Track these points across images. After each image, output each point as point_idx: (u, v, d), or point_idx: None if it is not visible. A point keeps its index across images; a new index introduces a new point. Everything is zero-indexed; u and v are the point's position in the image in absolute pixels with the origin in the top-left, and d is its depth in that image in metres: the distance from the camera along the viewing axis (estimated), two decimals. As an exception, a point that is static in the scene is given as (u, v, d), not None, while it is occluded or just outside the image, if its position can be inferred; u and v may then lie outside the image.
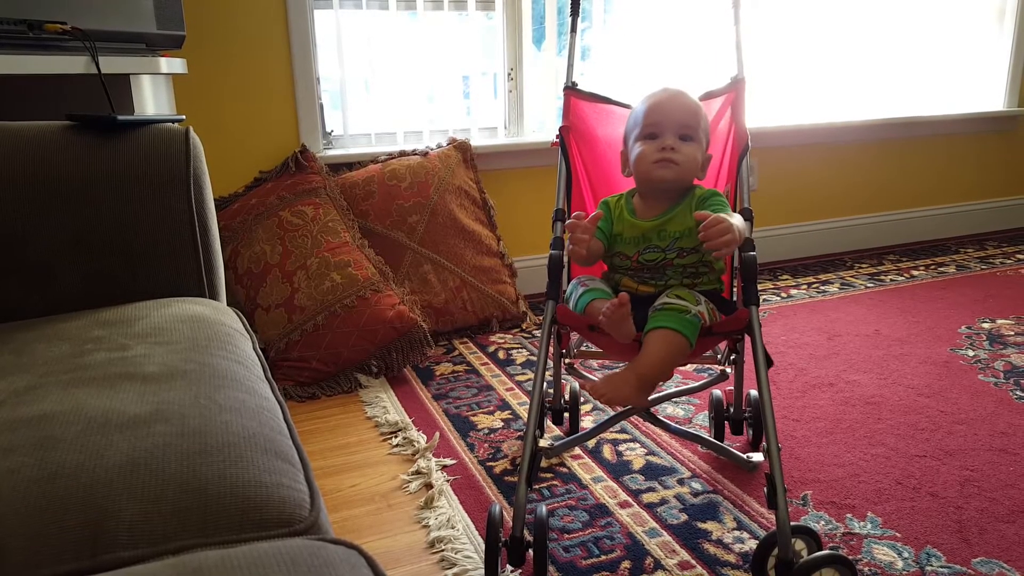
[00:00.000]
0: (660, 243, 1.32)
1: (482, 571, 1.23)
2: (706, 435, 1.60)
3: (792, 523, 1.13)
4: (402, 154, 2.38)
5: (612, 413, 1.68)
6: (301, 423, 1.79)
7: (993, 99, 3.32)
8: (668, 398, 1.73)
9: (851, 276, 2.83)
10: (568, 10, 1.59)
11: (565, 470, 1.54)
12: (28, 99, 1.42)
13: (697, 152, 1.33)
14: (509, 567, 1.23)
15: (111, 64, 1.36)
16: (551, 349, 1.52)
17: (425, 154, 2.38)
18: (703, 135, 1.35)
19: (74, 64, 1.31)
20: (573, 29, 1.59)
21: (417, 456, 1.61)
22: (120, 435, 0.64)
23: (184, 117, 1.33)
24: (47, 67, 1.29)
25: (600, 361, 2.06)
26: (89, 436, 0.64)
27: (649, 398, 1.27)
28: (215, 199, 2.17)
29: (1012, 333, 2.20)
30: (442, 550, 1.29)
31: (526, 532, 1.19)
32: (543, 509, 1.21)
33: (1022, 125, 3.40)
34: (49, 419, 0.67)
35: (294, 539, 0.55)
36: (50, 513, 0.56)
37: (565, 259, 1.43)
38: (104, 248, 1.07)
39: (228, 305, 1.14)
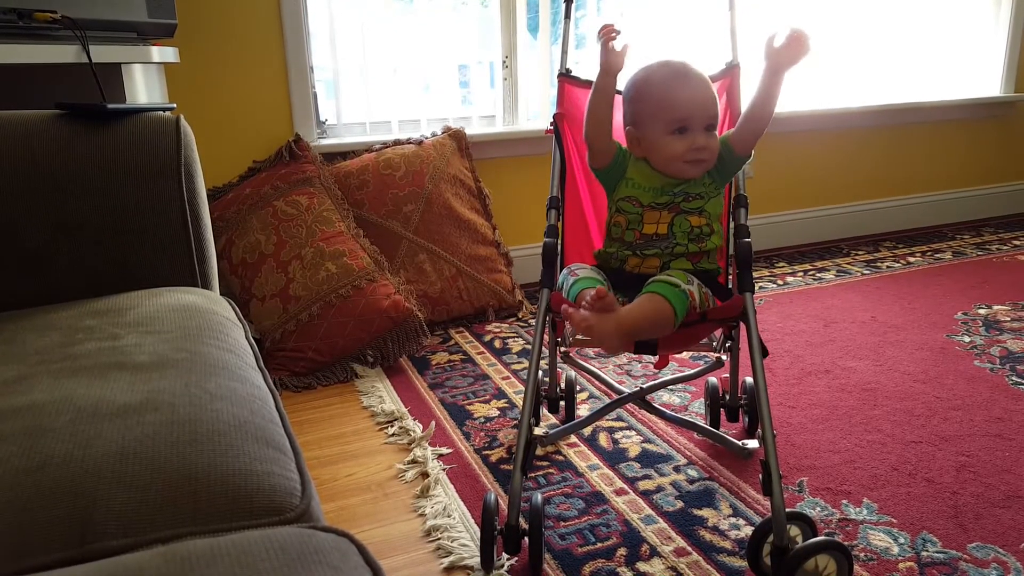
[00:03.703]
0: (673, 188, 1.31)
1: (478, 559, 1.23)
2: (702, 422, 1.60)
3: (788, 509, 1.13)
4: (397, 143, 2.37)
5: (608, 401, 1.68)
6: (297, 413, 1.79)
7: (990, 85, 3.31)
8: (664, 385, 1.73)
9: (847, 263, 2.83)
10: (562, -4, 1.58)
11: (561, 458, 1.55)
12: (18, 88, 1.40)
13: (717, 138, 1.31)
14: (505, 555, 1.23)
15: (102, 53, 1.35)
16: (546, 338, 1.51)
17: (420, 143, 2.37)
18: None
19: (64, 53, 1.30)
20: (568, 16, 1.57)
21: (413, 445, 1.61)
22: (110, 424, 0.64)
23: (175, 106, 1.32)
24: (37, 56, 1.28)
25: (595, 349, 2.06)
26: (79, 425, 0.64)
27: (627, 346, 1.21)
28: (209, 189, 2.16)
29: (1008, 319, 2.20)
30: (438, 538, 1.29)
31: (522, 520, 1.19)
32: (539, 497, 1.21)
33: (1018, 111, 3.39)
34: (39, 408, 0.67)
35: (284, 527, 0.55)
36: (38, 503, 0.56)
37: (559, 248, 1.42)
38: (95, 238, 1.06)
39: (221, 295, 1.14)
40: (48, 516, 0.55)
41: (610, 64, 1.27)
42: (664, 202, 1.31)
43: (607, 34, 1.26)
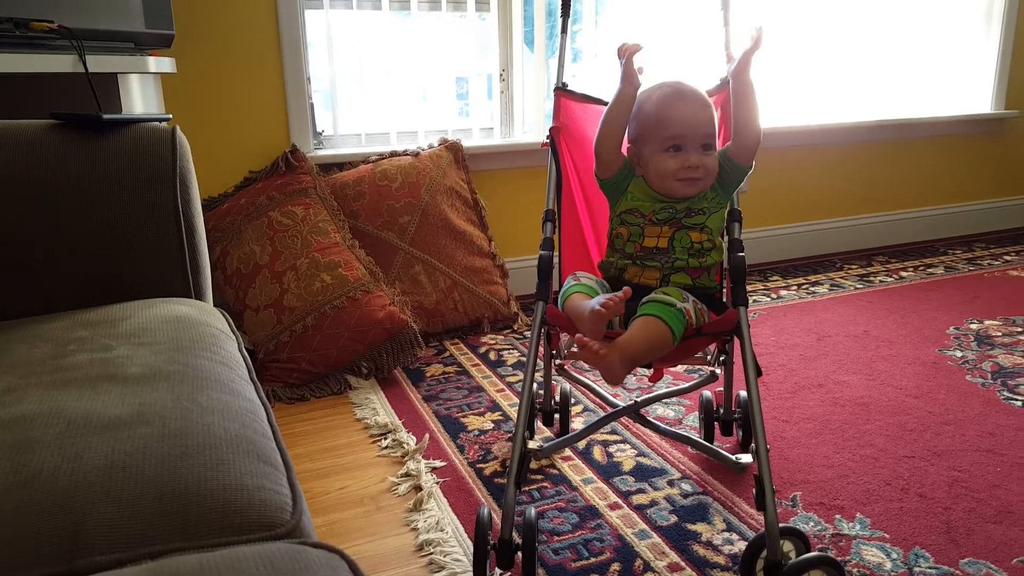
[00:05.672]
0: (677, 205, 1.32)
1: (471, 574, 1.22)
2: (696, 436, 1.60)
3: (781, 524, 1.13)
4: (393, 154, 2.37)
5: (603, 414, 1.68)
6: (290, 425, 1.78)
7: (981, 102, 3.34)
8: (658, 399, 1.73)
9: (840, 277, 2.84)
10: (559, 11, 1.59)
11: (555, 472, 1.54)
12: (14, 98, 1.40)
13: (716, 158, 1.33)
14: (498, 570, 1.23)
15: (99, 63, 1.35)
16: (541, 350, 1.51)
17: (416, 154, 2.38)
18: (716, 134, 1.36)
19: (61, 63, 1.30)
20: (564, 30, 1.58)
21: (407, 458, 1.60)
22: (100, 437, 0.64)
23: (171, 116, 1.32)
24: (33, 66, 1.28)
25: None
26: (68, 438, 0.63)
27: (626, 376, 1.21)
28: (204, 199, 2.16)
29: (999, 334, 2.21)
30: (431, 553, 1.29)
31: (515, 534, 1.18)
32: (532, 511, 1.21)
33: (1009, 127, 3.42)
34: (28, 421, 0.66)
35: (275, 543, 0.54)
36: (26, 517, 0.55)
37: (555, 260, 1.42)
38: (88, 248, 1.06)
39: (215, 306, 1.13)
40: (35, 531, 0.55)
41: (631, 77, 1.31)
42: (665, 217, 1.32)
43: (631, 50, 1.31)
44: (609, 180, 1.37)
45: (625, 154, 1.38)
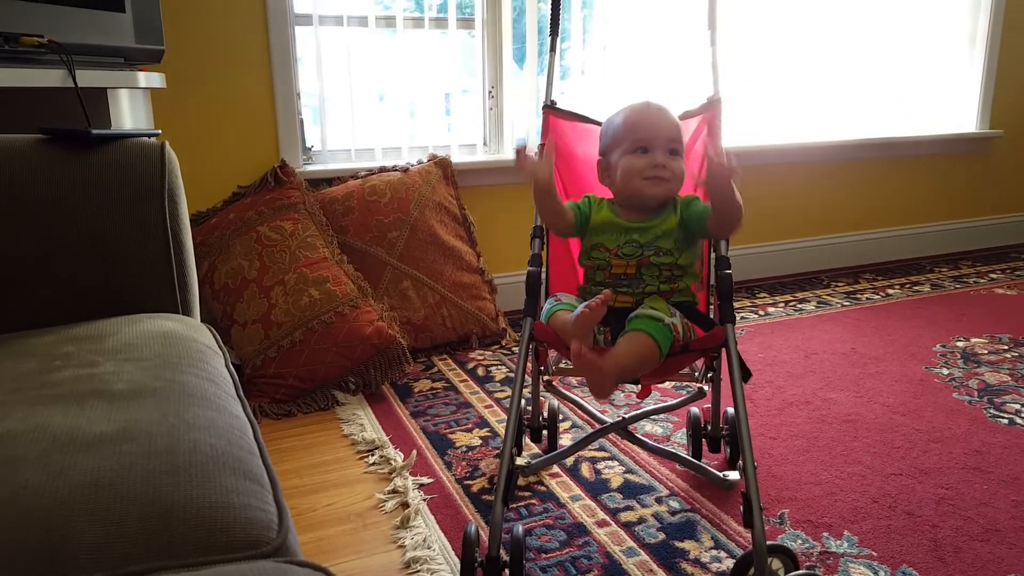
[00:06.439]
0: (640, 239, 1.33)
1: (458, 592, 1.21)
2: (684, 453, 1.60)
3: (769, 542, 1.13)
4: (382, 170, 2.38)
5: (591, 431, 1.67)
6: (276, 441, 1.77)
7: (966, 121, 3.39)
8: (646, 415, 1.73)
9: (827, 294, 2.86)
10: (548, 30, 1.61)
11: (543, 488, 1.54)
12: (2, 112, 1.40)
13: (683, 166, 1.35)
14: (485, 587, 1.22)
15: (88, 78, 1.35)
16: (529, 366, 1.51)
17: (405, 170, 2.38)
18: (684, 150, 1.38)
19: (50, 77, 1.30)
20: (553, 49, 1.60)
21: (394, 475, 1.59)
22: (85, 454, 0.63)
23: (160, 131, 1.32)
24: (22, 80, 1.27)
25: (579, 378, 2.06)
26: (52, 455, 0.63)
27: (615, 390, 1.23)
28: (193, 214, 2.16)
29: (986, 352, 2.23)
30: (418, 571, 1.28)
31: (503, 552, 1.18)
32: (520, 528, 1.20)
33: (993, 146, 3.48)
34: (12, 437, 0.66)
35: (260, 561, 0.54)
36: (7, 535, 0.54)
37: (543, 276, 1.43)
38: (76, 263, 1.05)
39: (203, 321, 1.13)
40: (17, 549, 0.54)
41: (537, 178, 1.33)
42: (630, 252, 1.33)
43: (521, 162, 1.33)
44: (569, 234, 1.44)
45: (575, 199, 1.42)
